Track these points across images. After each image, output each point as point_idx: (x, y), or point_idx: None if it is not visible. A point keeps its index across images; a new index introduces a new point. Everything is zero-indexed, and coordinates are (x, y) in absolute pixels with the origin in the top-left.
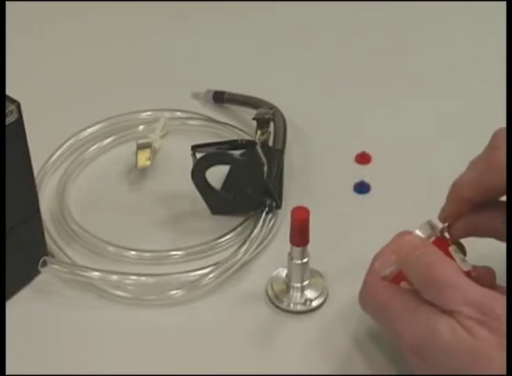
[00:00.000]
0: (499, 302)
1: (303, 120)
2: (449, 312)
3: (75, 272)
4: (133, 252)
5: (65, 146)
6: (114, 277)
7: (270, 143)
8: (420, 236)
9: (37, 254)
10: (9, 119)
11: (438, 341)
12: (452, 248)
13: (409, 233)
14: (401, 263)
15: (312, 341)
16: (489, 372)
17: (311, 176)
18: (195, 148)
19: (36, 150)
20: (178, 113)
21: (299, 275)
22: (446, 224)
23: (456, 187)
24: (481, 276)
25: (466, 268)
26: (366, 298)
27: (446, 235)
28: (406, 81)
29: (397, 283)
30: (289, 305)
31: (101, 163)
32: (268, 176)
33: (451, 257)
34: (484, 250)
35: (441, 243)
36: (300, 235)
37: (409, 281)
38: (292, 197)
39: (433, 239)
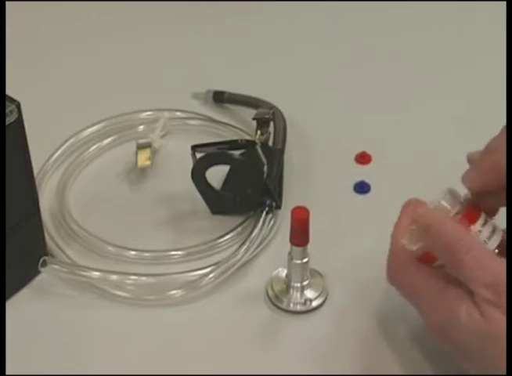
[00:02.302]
0: None
1: (303, 120)
2: (471, 292)
3: (75, 272)
4: (133, 252)
5: (65, 146)
6: (114, 277)
7: (270, 143)
8: (435, 207)
9: (37, 254)
10: (9, 119)
11: (458, 325)
12: (481, 220)
13: (417, 201)
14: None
15: (312, 341)
16: (502, 352)
17: (311, 176)
18: (195, 148)
19: (36, 150)
20: (178, 113)
21: (299, 275)
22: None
23: (492, 152)
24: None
25: (495, 243)
26: (392, 276)
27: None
28: (406, 82)
29: (426, 261)
30: (289, 305)
31: (101, 163)
32: (268, 176)
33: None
34: None
35: (470, 214)
36: (300, 235)
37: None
38: (292, 197)
39: (460, 211)
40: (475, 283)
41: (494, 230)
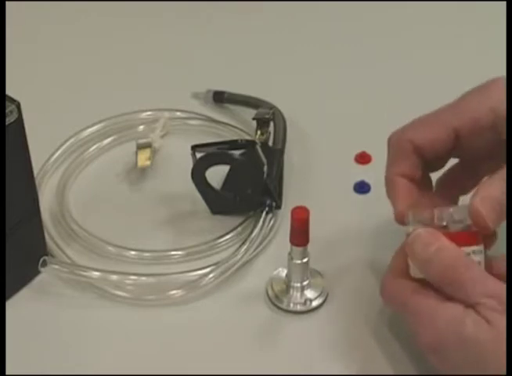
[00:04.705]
0: None
1: (303, 120)
2: (471, 305)
3: (75, 272)
4: (133, 252)
5: (65, 146)
6: (114, 277)
7: (270, 143)
8: (431, 229)
9: (37, 254)
10: (9, 119)
11: (463, 336)
12: (480, 246)
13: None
14: (415, 263)
15: (312, 342)
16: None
17: (311, 176)
18: (195, 148)
19: (36, 150)
20: (178, 113)
21: (299, 275)
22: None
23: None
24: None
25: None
26: (385, 297)
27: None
28: (406, 82)
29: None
30: (289, 305)
31: (101, 163)
32: (268, 176)
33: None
34: None
35: (471, 235)
36: (300, 235)
37: (427, 278)
38: (292, 197)
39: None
40: (478, 296)
41: (482, 260)
